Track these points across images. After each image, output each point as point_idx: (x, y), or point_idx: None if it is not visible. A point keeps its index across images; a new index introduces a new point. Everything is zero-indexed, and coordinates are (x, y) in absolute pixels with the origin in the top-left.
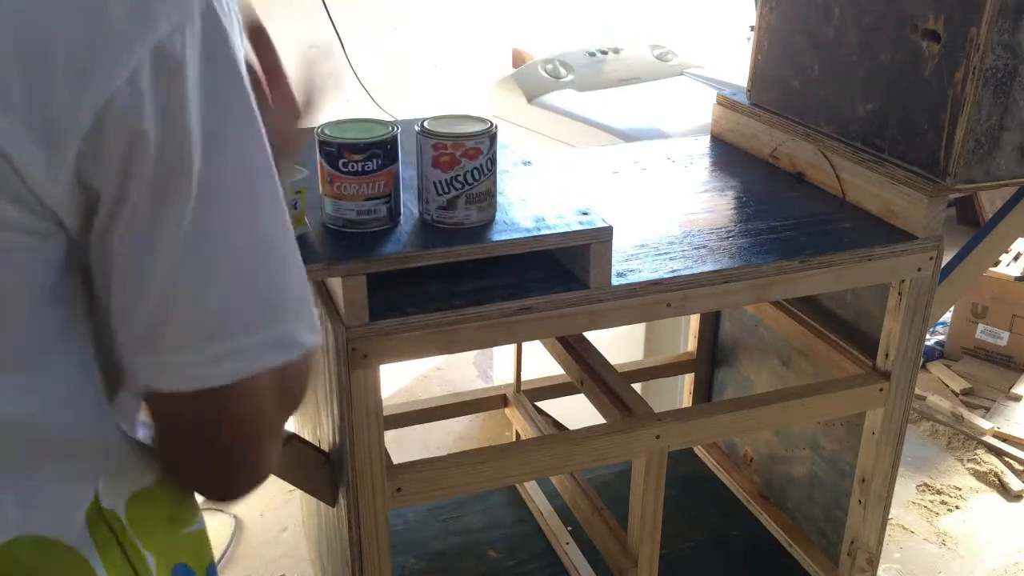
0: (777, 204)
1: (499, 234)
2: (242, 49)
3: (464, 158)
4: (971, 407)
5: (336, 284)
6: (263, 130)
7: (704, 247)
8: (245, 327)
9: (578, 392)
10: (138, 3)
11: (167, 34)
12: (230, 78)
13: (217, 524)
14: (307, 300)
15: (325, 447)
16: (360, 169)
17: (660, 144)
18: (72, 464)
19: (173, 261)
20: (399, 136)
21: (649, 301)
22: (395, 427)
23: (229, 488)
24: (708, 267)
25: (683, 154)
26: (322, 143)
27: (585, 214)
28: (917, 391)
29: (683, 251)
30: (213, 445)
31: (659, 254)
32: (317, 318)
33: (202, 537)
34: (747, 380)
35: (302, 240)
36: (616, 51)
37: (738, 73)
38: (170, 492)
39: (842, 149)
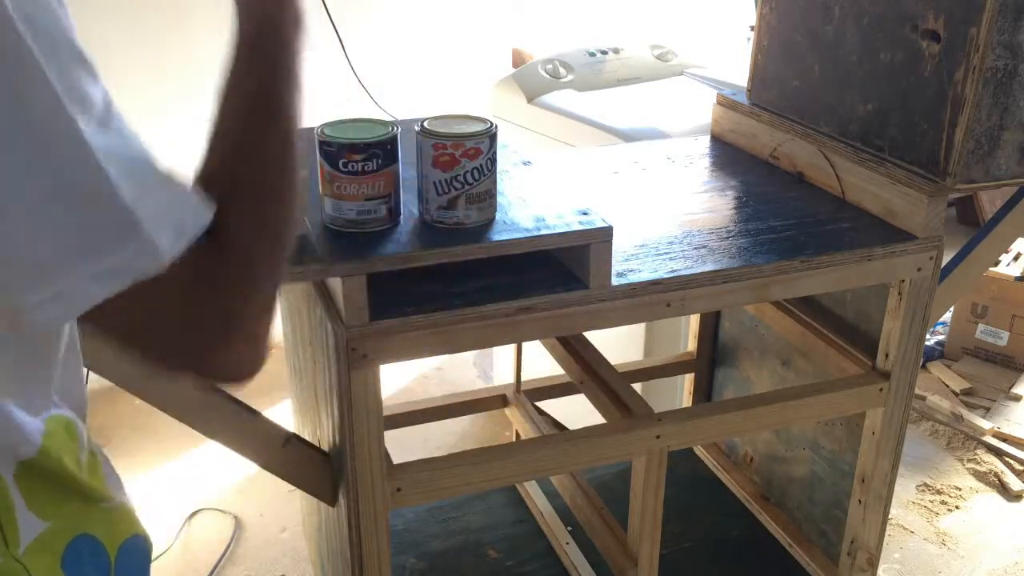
0: (777, 204)
1: (499, 234)
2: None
3: (464, 158)
4: (971, 407)
5: (336, 284)
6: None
7: (704, 247)
8: (59, 268)
9: (578, 392)
10: None
11: None
12: None
13: (217, 524)
14: (126, 224)
15: (325, 447)
16: (360, 169)
17: (660, 144)
18: None
19: None
20: (399, 136)
21: (649, 301)
22: (395, 427)
23: (209, 369)
24: (708, 267)
25: (683, 154)
26: (322, 143)
27: (585, 214)
28: (917, 391)
29: (683, 251)
30: (150, 353)
31: (659, 254)
32: (169, 215)
33: (119, 513)
34: (747, 380)
35: (302, 241)
36: (616, 51)
37: (738, 73)
38: (69, 463)
39: (842, 149)
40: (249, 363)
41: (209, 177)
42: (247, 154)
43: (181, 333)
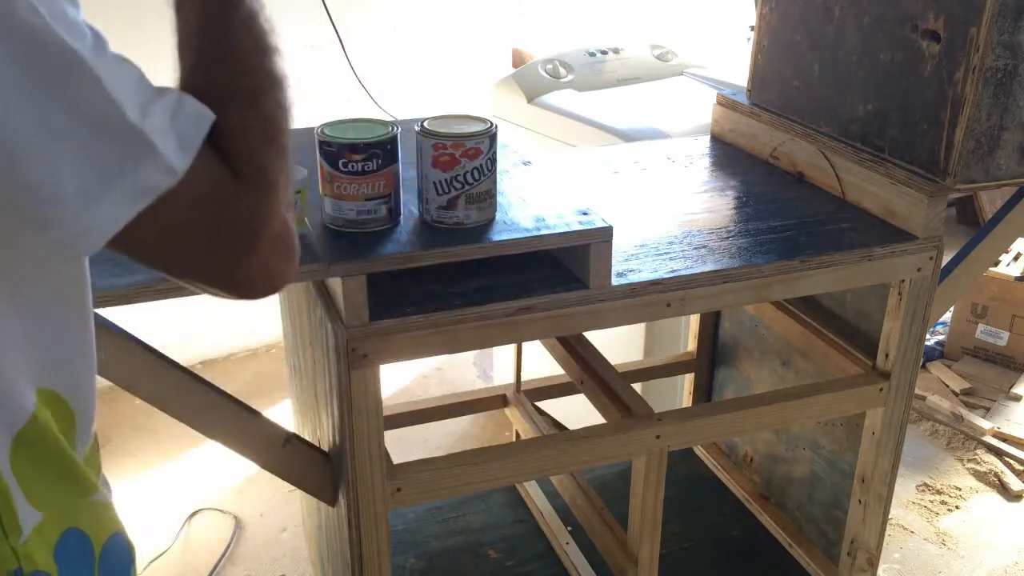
0: (777, 204)
1: (499, 234)
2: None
3: (464, 158)
4: (971, 407)
5: (336, 284)
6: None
7: (704, 247)
8: (83, 197)
9: (578, 392)
10: None
11: None
12: None
13: (217, 524)
14: (137, 146)
15: (325, 447)
16: (360, 169)
17: (660, 144)
18: None
19: None
20: (399, 136)
21: (649, 301)
22: (395, 427)
23: (241, 286)
24: (708, 267)
25: (683, 154)
26: (322, 143)
27: (585, 214)
28: (917, 391)
29: (683, 251)
30: (178, 270)
31: (659, 254)
32: (173, 134)
33: (105, 508)
34: (747, 380)
35: (302, 240)
36: (616, 51)
37: (738, 73)
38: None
39: (842, 149)
40: (281, 269)
41: (186, 87)
42: (216, 53)
43: (209, 245)
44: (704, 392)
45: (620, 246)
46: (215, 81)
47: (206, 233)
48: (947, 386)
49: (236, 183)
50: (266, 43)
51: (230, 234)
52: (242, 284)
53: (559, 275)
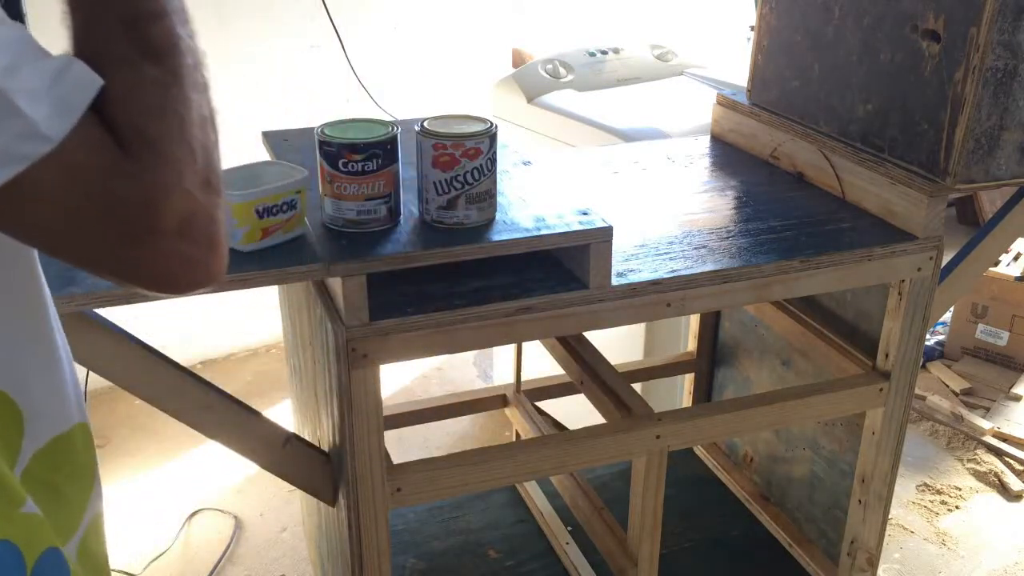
0: (777, 204)
1: (499, 234)
2: None
3: (464, 158)
4: (971, 407)
5: (336, 284)
6: None
7: (704, 247)
8: None
9: (578, 392)
10: None
11: None
12: None
13: (217, 524)
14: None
15: (325, 447)
16: (360, 169)
17: (660, 144)
18: None
19: None
20: (399, 136)
21: (649, 301)
22: (395, 427)
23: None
24: (708, 267)
25: (683, 154)
26: (322, 143)
27: (585, 214)
28: (917, 391)
29: (683, 251)
30: (67, 251)
31: (659, 254)
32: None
33: (38, 522)
34: (747, 380)
35: (301, 240)
36: (616, 51)
37: (738, 73)
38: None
39: (842, 149)
40: (201, 259)
41: (75, 53)
42: (100, 16)
43: (100, 226)
44: (704, 392)
45: (620, 246)
46: (99, 47)
47: (94, 212)
48: (947, 386)
49: (122, 156)
50: (158, 6)
51: (121, 214)
52: (152, 274)
53: (559, 275)
